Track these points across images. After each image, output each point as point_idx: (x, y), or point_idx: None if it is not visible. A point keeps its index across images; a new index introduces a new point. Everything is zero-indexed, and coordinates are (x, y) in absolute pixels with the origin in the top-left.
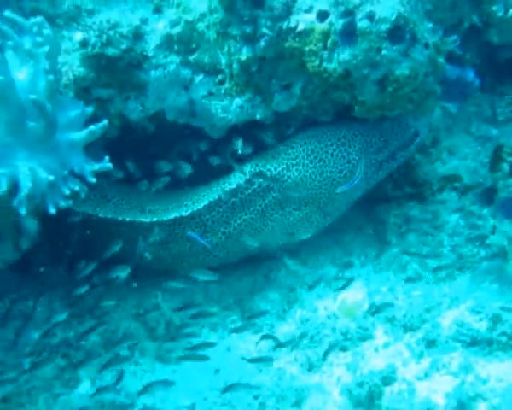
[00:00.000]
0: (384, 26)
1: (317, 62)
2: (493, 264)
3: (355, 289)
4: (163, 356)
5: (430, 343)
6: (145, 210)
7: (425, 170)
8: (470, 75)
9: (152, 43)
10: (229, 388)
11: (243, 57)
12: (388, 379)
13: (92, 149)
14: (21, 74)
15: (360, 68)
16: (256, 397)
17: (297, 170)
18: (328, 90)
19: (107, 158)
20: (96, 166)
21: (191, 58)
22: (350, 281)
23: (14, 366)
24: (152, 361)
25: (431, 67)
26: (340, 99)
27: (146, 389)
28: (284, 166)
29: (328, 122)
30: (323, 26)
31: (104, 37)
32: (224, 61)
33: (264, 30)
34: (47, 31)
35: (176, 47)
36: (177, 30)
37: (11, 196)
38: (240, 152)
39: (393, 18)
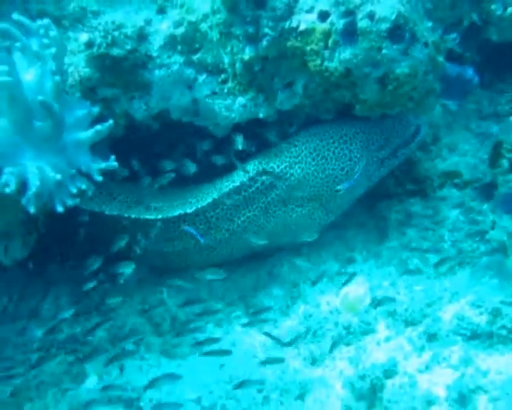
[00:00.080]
0: (384, 26)
1: (319, 61)
2: (493, 259)
3: (357, 284)
4: (168, 351)
5: (431, 337)
6: (150, 207)
7: (426, 167)
8: (470, 73)
9: (156, 43)
10: (239, 385)
11: (246, 57)
12: (390, 372)
13: (98, 148)
14: (29, 75)
15: (361, 67)
16: (260, 391)
17: (299, 168)
18: (329, 89)
19: (112, 157)
20: (103, 165)
21: (194, 58)
22: (352, 276)
23: (22, 361)
24: (157, 356)
25: (430, 65)
26: (342, 97)
27: (152, 383)
28: (287, 163)
29: (329, 120)
30: (325, 25)
31: (109, 37)
32: (226, 60)
33: (267, 30)
34: (53, 32)
35: (179, 47)
36: (180, 30)
37: (20, 195)
38: (240, 148)
39: (393, 17)
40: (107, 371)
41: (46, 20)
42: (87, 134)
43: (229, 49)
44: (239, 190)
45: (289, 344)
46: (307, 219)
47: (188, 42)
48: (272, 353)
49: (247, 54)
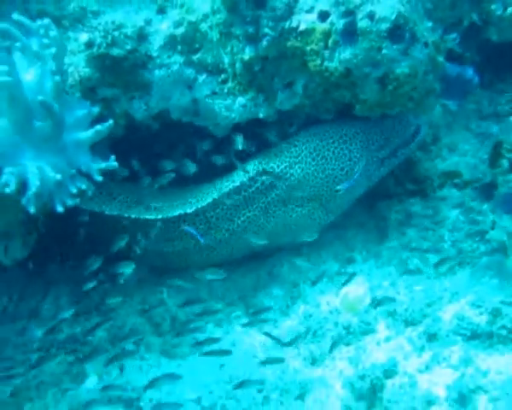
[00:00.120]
0: (384, 26)
1: (319, 61)
2: (493, 259)
3: (357, 284)
4: (168, 351)
5: (431, 337)
6: (150, 207)
7: (426, 167)
8: (470, 73)
9: (156, 43)
10: (239, 385)
11: (246, 57)
12: (390, 372)
13: (98, 148)
14: (29, 75)
15: (361, 67)
16: (260, 391)
17: (299, 168)
18: (329, 89)
19: (112, 157)
20: (103, 165)
21: (194, 58)
22: (352, 276)
23: (22, 361)
24: (157, 356)
25: (430, 65)
26: (342, 97)
27: (152, 383)
28: (287, 163)
29: (329, 120)
30: (324, 25)
31: (109, 37)
32: (226, 60)
33: (267, 30)
34: (53, 32)
35: (179, 47)
36: (180, 30)
37: (20, 195)
38: (240, 148)
39: (393, 17)
40: (107, 371)
41: (46, 20)
42: (87, 134)
43: (229, 49)
44: (239, 190)
45: (289, 344)
46: (307, 219)
47: (188, 42)
48: (272, 353)
49: (247, 54)
